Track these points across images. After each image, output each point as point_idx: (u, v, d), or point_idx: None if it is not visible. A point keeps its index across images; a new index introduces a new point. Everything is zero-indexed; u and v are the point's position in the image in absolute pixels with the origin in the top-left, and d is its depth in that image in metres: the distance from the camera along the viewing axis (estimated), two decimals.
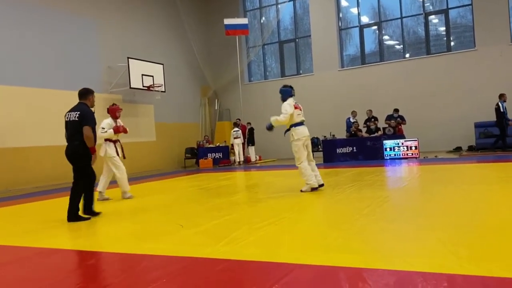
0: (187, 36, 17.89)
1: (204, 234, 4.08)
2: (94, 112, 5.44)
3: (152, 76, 14.95)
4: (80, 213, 5.32)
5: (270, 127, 6.59)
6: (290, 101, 6.51)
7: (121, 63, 14.14)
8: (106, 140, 7.10)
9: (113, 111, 7.27)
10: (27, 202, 7.98)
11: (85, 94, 5.47)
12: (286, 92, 6.62)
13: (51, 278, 3.02)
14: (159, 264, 3.15)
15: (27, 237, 4.61)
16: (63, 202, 7.72)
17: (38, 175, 11.57)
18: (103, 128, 7.03)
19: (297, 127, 6.46)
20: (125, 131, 7.24)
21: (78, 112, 5.25)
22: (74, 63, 13.03)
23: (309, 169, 6.41)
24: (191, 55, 18.13)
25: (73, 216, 5.23)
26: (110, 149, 7.08)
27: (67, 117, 5.34)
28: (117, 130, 7.11)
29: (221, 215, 5.00)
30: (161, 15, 17.03)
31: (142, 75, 14.55)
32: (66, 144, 5.36)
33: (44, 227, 5.15)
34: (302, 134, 6.48)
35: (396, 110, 13.72)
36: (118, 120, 7.29)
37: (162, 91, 15.38)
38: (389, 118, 13.66)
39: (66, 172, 12.24)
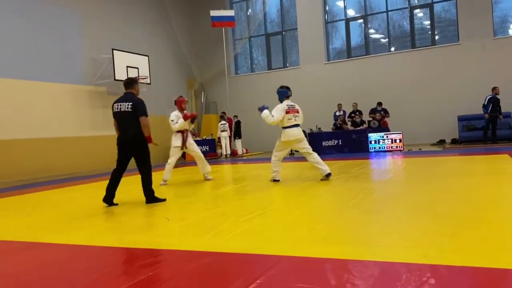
0: (173, 28, 17.68)
1: (190, 227, 4.07)
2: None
3: (137, 68, 14.75)
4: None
5: (261, 109, 6.77)
6: (284, 104, 6.69)
7: (105, 55, 13.91)
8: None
9: (180, 103, 7.57)
10: (13, 195, 7.84)
11: (131, 83, 5.61)
12: (283, 93, 6.87)
13: (36, 273, 2.99)
14: (145, 257, 3.14)
15: (18, 232, 4.53)
16: (48, 195, 7.65)
17: (20, 169, 11.35)
18: (173, 120, 7.36)
19: (286, 129, 6.70)
20: (193, 116, 7.52)
21: (131, 103, 5.38)
22: (56, 54, 12.74)
23: (277, 165, 6.92)
24: (177, 47, 17.93)
25: (151, 198, 5.55)
26: (176, 138, 7.45)
27: (117, 108, 5.43)
28: (185, 117, 7.39)
29: (208, 208, 5.00)
30: (147, 5, 16.77)
31: (127, 67, 14.33)
32: (119, 133, 5.53)
33: (30, 220, 5.08)
34: (290, 136, 6.70)
35: (380, 104, 13.86)
36: (185, 111, 7.56)
37: (147, 83, 15.19)
38: (373, 111, 13.81)
39: (48, 165, 12.19)
